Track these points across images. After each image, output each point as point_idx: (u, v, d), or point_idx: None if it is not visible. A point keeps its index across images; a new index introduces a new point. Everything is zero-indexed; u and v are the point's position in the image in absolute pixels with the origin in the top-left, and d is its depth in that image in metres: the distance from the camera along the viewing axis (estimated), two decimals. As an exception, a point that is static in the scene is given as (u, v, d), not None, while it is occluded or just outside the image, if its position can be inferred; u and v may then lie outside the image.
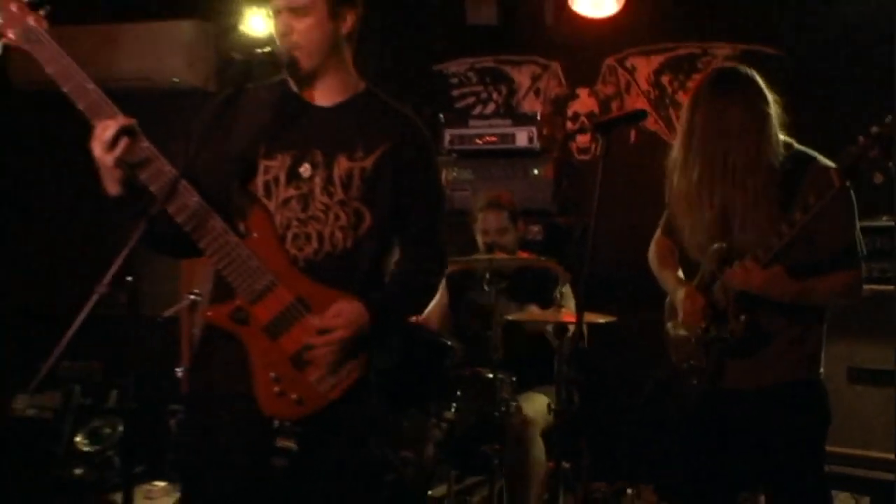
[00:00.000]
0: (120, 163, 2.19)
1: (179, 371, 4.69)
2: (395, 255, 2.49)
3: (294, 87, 2.41)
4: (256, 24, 5.41)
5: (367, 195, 2.35)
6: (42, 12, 2.20)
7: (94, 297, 2.01)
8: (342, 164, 2.34)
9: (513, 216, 4.37)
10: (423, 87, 5.53)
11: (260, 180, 2.34)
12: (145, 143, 2.21)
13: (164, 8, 5.66)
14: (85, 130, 2.23)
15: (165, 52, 5.58)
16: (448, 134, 5.13)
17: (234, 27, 5.47)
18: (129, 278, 4.05)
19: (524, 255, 4.40)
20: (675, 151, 2.92)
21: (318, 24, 2.32)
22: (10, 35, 2.17)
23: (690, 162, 2.85)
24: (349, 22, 2.38)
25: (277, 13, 2.35)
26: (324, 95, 2.41)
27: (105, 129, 2.17)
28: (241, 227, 2.30)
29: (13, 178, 6.08)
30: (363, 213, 2.35)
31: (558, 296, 3.88)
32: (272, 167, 2.34)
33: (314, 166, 2.34)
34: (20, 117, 5.98)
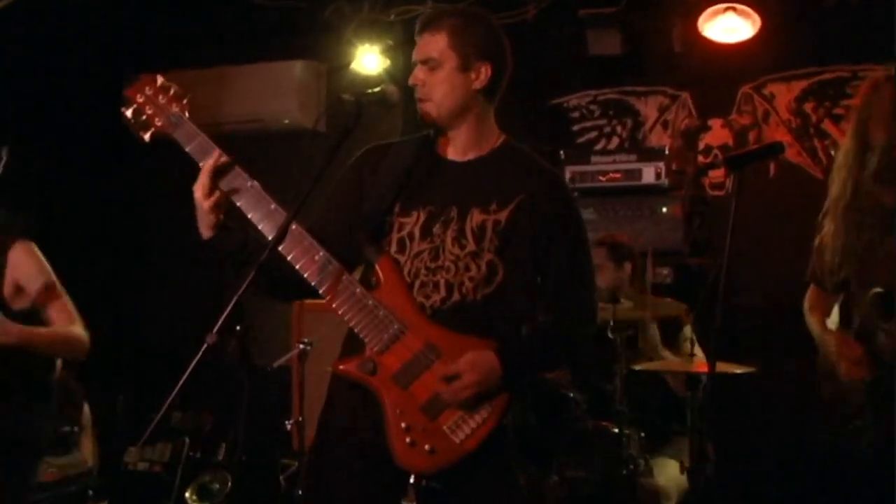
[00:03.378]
0: (217, 208, 2.38)
1: (289, 424, 4.79)
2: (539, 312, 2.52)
3: (432, 143, 2.53)
4: (369, 62, 5.56)
5: (500, 248, 2.41)
6: (186, 101, 2.52)
7: (204, 347, 2.10)
8: (475, 217, 2.43)
9: (615, 255, 4.31)
10: (541, 123, 5.57)
11: (394, 237, 2.45)
12: (250, 183, 2.39)
13: (275, 48, 5.88)
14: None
15: (276, 93, 5.79)
16: (568, 171, 5.13)
17: (347, 66, 5.64)
18: (238, 327, 4.18)
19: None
20: (843, 155, 2.88)
21: (447, 78, 2.44)
22: (158, 123, 2.51)
23: (854, 162, 2.81)
24: (483, 76, 2.46)
25: (413, 66, 2.49)
26: (460, 150, 2.51)
27: (205, 174, 2.38)
28: (370, 278, 2.42)
29: (132, 228, 6.35)
30: (496, 266, 2.41)
31: (689, 344, 3.81)
32: (407, 224, 2.46)
33: (448, 221, 2.43)
34: (140, 165, 6.28)
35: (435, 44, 2.44)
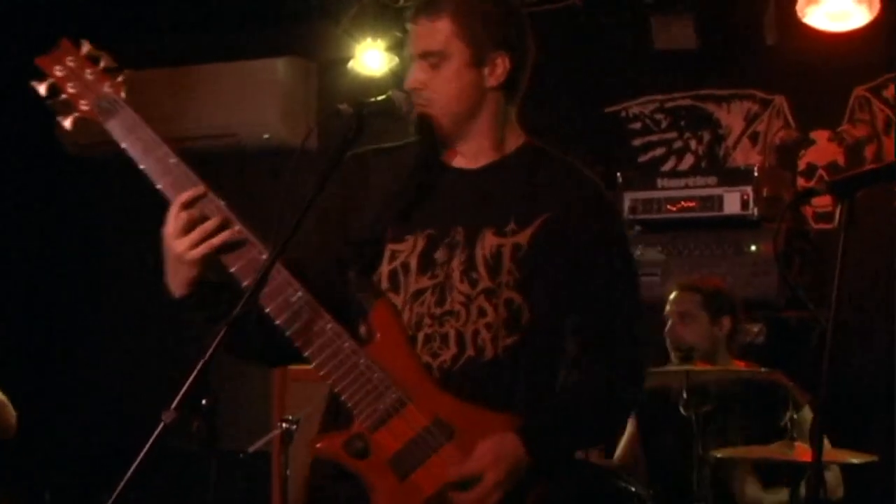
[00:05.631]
0: (203, 258, 2.32)
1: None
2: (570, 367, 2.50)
3: (435, 149, 2.51)
4: (372, 60, 5.61)
5: (522, 283, 2.39)
6: (121, 78, 2.42)
7: (159, 428, 2.09)
8: (488, 241, 2.41)
9: (711, 305, 4.32)
10: (593, 136, 5.59)
11: (385, 269, 2.44)
12: (237, 227, 2.34)
13: (253, 42, 5.94)
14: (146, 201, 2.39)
15: (254, 99, 5.85)
16: (628, 199, 5.16)
17: (343, 65, 5.68)
18: (204, 401, 4.19)
19: (739, 364, 4.34)
20: None
21: (454, 76, 2.44)
22: (84, 106, 2.40)
23: None
24: (500, 70, 2.46)
25: (411, 61, 2.48)
26: (469, 158, 2.51)
27: (180, 215, 2.31)
28: (361, 328, 2.40)
29: (69, 271, 6.38)
30: (518, 307, 2.39)
31: (789, 424, 3.80)
32: (401, 252, 2.44)
33: (453, 246, 2.42)
34: (73, 187, 6.34)
35: (437, 33, 2.43)
